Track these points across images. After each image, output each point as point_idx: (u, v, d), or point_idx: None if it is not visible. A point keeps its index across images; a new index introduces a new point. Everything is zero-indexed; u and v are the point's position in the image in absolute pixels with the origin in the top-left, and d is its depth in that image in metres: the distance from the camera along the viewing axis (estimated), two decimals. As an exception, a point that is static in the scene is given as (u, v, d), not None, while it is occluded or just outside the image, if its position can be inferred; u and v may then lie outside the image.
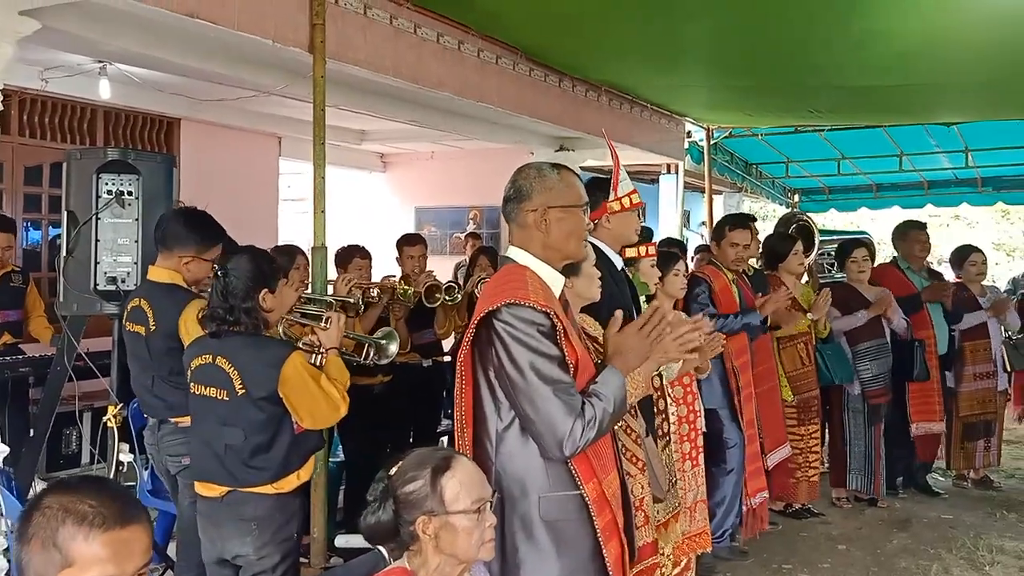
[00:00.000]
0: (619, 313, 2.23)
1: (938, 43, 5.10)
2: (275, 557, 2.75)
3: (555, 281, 2.22)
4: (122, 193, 3.51)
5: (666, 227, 9.93)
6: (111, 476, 3.54)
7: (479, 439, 2.16)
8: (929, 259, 6.07)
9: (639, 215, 3.17)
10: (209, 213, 3.33)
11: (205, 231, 3.28)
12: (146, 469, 3.88)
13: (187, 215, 3.31)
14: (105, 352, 4.39)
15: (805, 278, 5.73)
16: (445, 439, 6.28)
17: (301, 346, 3.05)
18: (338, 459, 5.02)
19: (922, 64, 5.57)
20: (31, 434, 4.59)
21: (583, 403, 2.03)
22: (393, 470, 2.00)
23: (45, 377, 4.53)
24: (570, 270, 2.32)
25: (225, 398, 2.76)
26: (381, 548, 2.26)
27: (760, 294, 4.73)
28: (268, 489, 2.76)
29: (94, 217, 3.48)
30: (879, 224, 11.91)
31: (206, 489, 2.81)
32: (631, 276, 3.23)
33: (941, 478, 6.13)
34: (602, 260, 2.77)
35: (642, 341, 2.15)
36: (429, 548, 1.95)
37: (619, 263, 3.10)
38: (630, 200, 3.14)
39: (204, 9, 3.82)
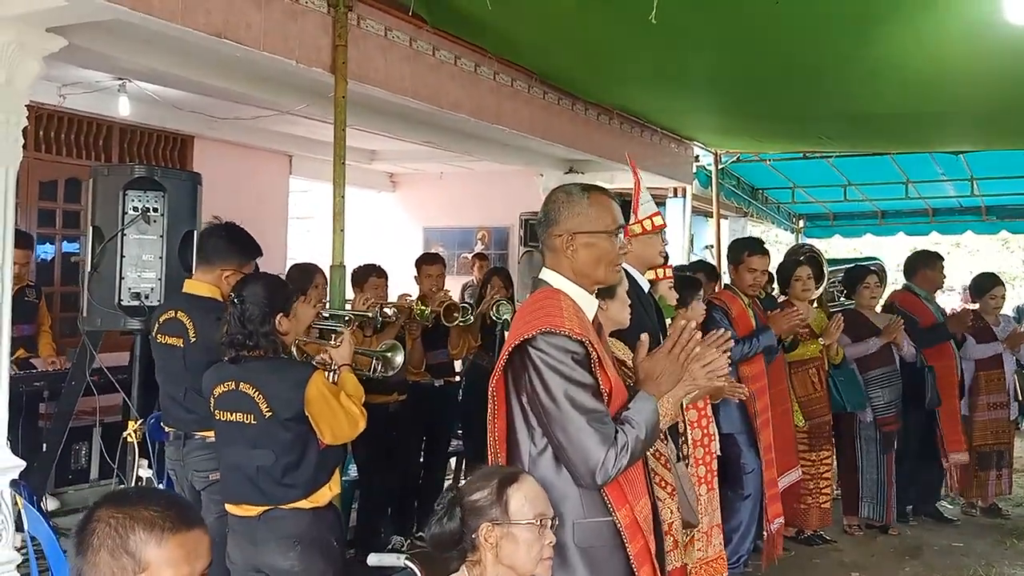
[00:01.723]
0: (644, 337, 2.22)
1: (948, 72, 5.15)
2: (315, 571, 2.80)
3: (589, 304, 2.23)
4: (148, 210, 3.54)
5: (673, 250, 9.95)
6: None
7: (512, 464, 2.16)
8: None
9: (661, 237, 3.19)
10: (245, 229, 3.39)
11: (246, 245, 3.35)
12: (161, 483, 3.88)
13: (228, 230, 3.36)
14: (118, 367, 4.40)
15: (815, 306, 5.76)
16: (454, 460, 6.28)
17: (316, 364, 3.09)
18: (349, 477, 5.01)
19: (932, 93, 5.61)
20: (43, 449, 4.59)
21: (616, 431, 2.04)
22: (462, 482, 2.10)
23: (59, 391, 4.54)
24: (605, 293, 2.33)
25: (252, 422, 2.81)
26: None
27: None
28: (304, 504, 2.81)
29: (120, 233, 3.50)
30: (883, 251, 11.94)
31: (241, 510, 2.85)
32: (657, 299, 3.24)
33: (950, 505, 6.13)
34: (630, 284, 2.79)
35: (673, 363, 2.14)
36: (489, 557, 2.01)
37: (646, 286, 3.12)
38: (652, 223, 3.16)
39: (231, 30, 3.86)
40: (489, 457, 2.23)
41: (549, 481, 2.09)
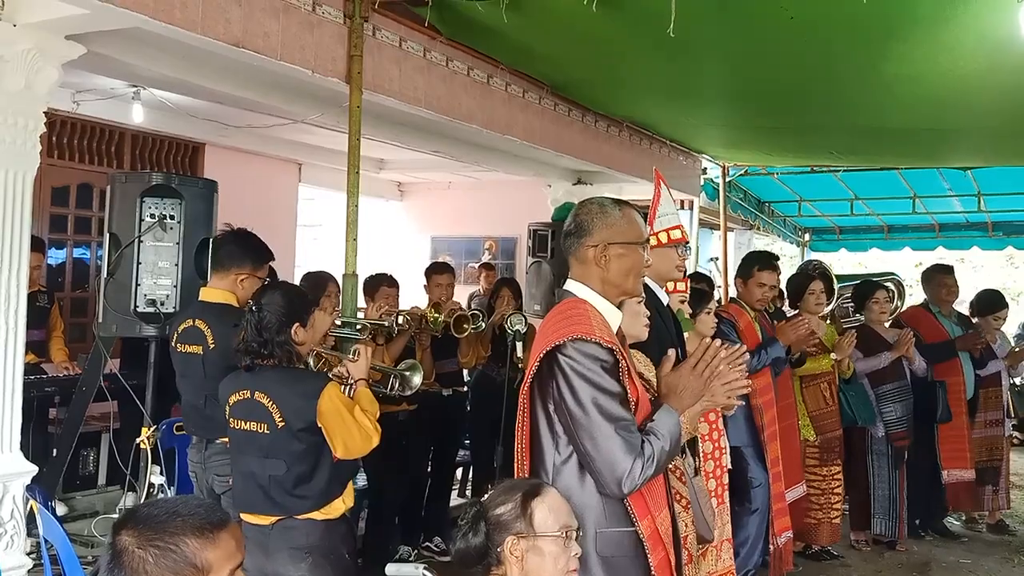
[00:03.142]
0: (672, 352, 2.26)
1: (962, 89, 5.15)
2: None
3: (613, 316, 2.24)
4: (164, 217, 3.56)
5: (679, 263, 9.94)
6: (143, 499, 3.54)
7: (536, 472, 2.17)
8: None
9: (679, 251, 3.18)
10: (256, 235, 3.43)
11: (257, 249, 3.39)
12: (172, 489, 3.88)
13: (240, 235, 3.40)
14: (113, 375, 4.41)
15: (828, 321, 5.77)
16: (460, 471, 6.28)
17: (332, 377, 3.09)
18: (358, 487, 5.00)
19: (945, 109, 5.61)
20: (55, 454, 4.60)
21: (642, 441, 2.05)
22: (485, 497, 2.07)
23: (70, 397, 4.55)
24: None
25: (266, 431, 2.81)
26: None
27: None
28: (317, 515, 2.81)
29: (136, 240, 3.52)
30: (888, 266, 11.94)
31: (254, 519, 2.85)
32: (675, 313, 3.24)
33: (956, 521, 6.13)
34: (648, 296, 2.79)
35: (697, 380, 2.17)
36: (515, 571, 2.01)
37: (665, 299, 3.12)
38: (668, 235, 3.15)
39: (249, 39, 3.88)
40: (516, 467, 2.24)
41: (572, 490, 2.10)
